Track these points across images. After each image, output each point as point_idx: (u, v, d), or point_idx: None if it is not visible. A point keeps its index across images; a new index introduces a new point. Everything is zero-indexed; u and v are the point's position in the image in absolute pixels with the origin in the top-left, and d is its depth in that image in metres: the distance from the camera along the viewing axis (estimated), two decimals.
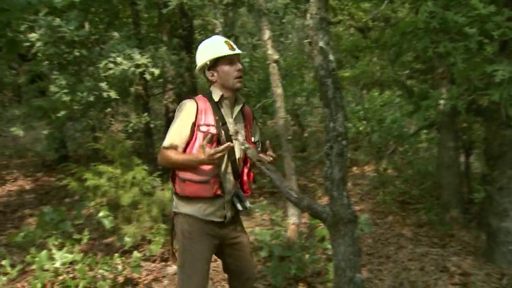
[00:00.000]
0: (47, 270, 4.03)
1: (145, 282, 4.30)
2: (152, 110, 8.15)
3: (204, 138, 2.46)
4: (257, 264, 4.57)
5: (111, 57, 4.82)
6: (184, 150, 2.56)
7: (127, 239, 4.66)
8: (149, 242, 4.81)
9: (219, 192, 2.57)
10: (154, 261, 4.70)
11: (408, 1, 5.68)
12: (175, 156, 2.50)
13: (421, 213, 5.81)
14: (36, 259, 4.08)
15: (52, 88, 5.08)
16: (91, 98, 4.93)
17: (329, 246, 4.02)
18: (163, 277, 4.42)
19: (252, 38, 11.54)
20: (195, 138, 2.54)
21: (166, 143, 2.55)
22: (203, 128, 2.53)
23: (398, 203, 6.28)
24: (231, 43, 2.67)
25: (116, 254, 4.43)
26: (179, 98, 6.99)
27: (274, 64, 4.69)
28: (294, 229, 4.84)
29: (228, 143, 2.42)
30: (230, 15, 7.82)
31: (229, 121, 2.63)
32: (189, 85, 6.89)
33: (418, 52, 5.20)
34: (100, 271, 4.14)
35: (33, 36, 5.03)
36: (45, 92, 7.68)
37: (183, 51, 6.36)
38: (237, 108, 2.70)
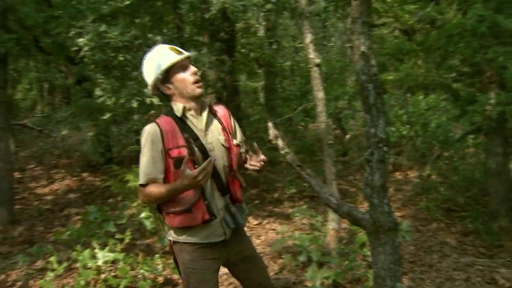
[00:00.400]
0: (90, 268, 4.15)
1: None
2: None
3: (175, 164, 2.23)
4: (295, 269, 4.54)
5: None
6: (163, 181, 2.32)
7: (167, 240, 4.72)
8: None
9: (207, 217, 2.28)
10: None
11: (455, 2, 5.51)
12: (157, 190, 2.23)
13: (466, 221, 5.61)
14: (80, 257, 4.21)
15: (97, 92, 5.23)
16: (134, 105, 5.01)
17: (370, 253, 3.96)
18: None
19: (294, 41, 11.51)
20: (169, 166, 2.28)
21: (142, 180, 2.28)
22: (174, 153, 2.26)
23: (442, 210, 6.10)
24: (176, 48, 2.42)
25: (157, 255, 4.51)
26: (220, 102, 7.05)
27: (316, 68, 4.65)
28: (334, 234, 4.78)
29: (209, 158, 2.15)
30: (272, 19, 7.82)
31: (201, 133, 2.35)
32: (230, 88, 6.94)
33: (465, 55, 5.04)
34: (141, 271, 4.23)
35: (81, 41, 5.20)
36: (91, 94, 7.91)
37: (224, 55, 6.41)
38: (205, 113, 2.40)
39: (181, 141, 2.27)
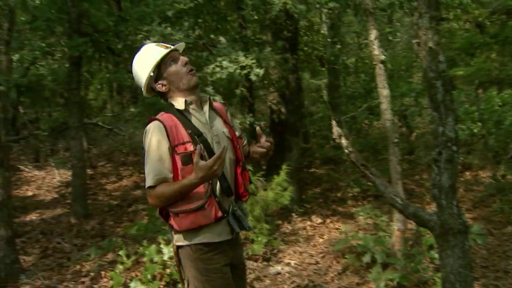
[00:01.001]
0: (156, 263, 4.28)
1: (247, 280, 4.38)
2: (257, 111, 8.28)
3: (183, 160, 2.11)
4: (359, 269, 4.47)
5: (217, 61, 4.98)
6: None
7: None
8: (252, 241, 4.90)
9: (220, 214, 2.16)
10: (256, 260, 4.78)
11: None
12: (169, 188, 2.10)
13: None
14: (147, 252, 4.36)
15: None
16: None
17: (437, 256, 3.81)
18: (265, 276, 4.48)
19: (358, 38, 11.29)
20: (175, 164, 2.14)
21: (150, 181, 2.13)
22: (180, 149, 2.14)
23: None
24: (162, 43, 2.33)
25: None
26: (284, 100, 7.05)
27: (381, 65, 4.54)
28: (399, 235, 4.65)
29: (223, 145, 2.08)
30: (335, 16, 7.72)
31: (206, 127, 2.24)
32: (294, 86, 6.91)
33: None
34: None
35: (147, 42, 5.37)
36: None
37: (287, 53, 6.40)
38: (206, 107, 2.31)
39: (186, 137, 2.14)
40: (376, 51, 4.54)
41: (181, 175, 2.11)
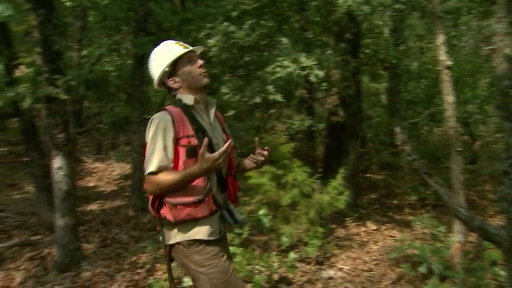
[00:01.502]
0: None
1: (299, 283, 4.37)
2: (315, 114, 8.23)
3: (188, 153, 2.21)
4: (414, 280, 4.34)
5: (278, 61, 4.99)
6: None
7: (284, 239, 4.78)
8: (305, 244, 4.88)
9: (214, 207, 2.28)
10: (309, 263, 4.75)
11: None
12: (169, 177, 2.16)
13: None
14: None
15: (223, 90, 5.46)
16: (258, 100, 5.15)
17: (502, 273, 3.65)
18: (317, 280, 4.44)
19: (421, 42, 10.97)
20: (177, 155, 2.23)
21: (153, 167, 2.19)
22: (184, 142, 2.23)
23: None
24: (182, 43, 2.42)
25: (273, 252, 4.59)
26: (343, 103, 6.96)
27: (447, 71, 4.39)
28: (459, 247, 4.47)
29: (229, 141, 2.17)
30: (397, 19, 7.53)
31: (209, 127, 2.36)
32: (354, 89, 6.81)
33: None
34: (257, 266, 4.33)
35: (210, 41, 5.46)
36: (215, 92, 8.26)
37: (348, 56, 6.31)
38: (212, 110, 2.43)
39: (190, 131, 2.25)
40: (443, 56, 4.39)
41: (184, 167, 2.20)
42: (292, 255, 4.44)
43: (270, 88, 5.09)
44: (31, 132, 6.15)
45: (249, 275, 4.21)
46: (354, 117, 6.98)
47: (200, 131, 2.26)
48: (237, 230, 4.79)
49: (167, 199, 2.23)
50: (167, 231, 2.32)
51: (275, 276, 4.37)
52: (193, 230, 2.25)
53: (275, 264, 4.42)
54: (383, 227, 6.03)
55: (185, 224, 2.25)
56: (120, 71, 8.73)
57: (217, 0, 6.24)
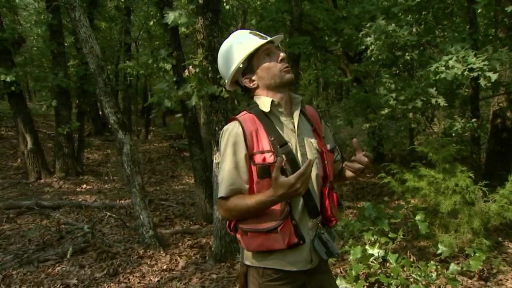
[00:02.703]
0: (360, 263, 4.25)
1: None
2: (480, 114, 7.59)
3: (259, 173, 1.82)
4: None
5: (443, 60, 4.65)
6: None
7: (443, 248, 4.49)
8: (467, 256, 4.52)
9: (295, 240, 1.84)
10: (471, 278, 4.40)
11: None
12: (243, 202, 1.81)
13: None
14: (352, 251, 4.35)
15: (381, 91, 5.29)
16: (418, 104, 4.85)
17: None
18: None
19: None
20: (251, 175, 1.86)
21: (224, 191, 1.85)
22: (257, 159, 1.84)
23: None
24: (258, 32, 1.99)
25: (432, 262, 4.33)
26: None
27: None
28: None
29: (309, 159, 1.70)
30: None
31: (292, 135, 1.92)
32: None
33: None
34: (413, 275, 4.13)
35: (368, 40, 5.34)
36: (367, 92, 8.06)
37: None
38: (297, 112, 1.96)
39: (267, 145, 1.85)
40: None
41: (256, 189, 1.84)
42: (453, 266, 4.14)
43: (433, 90, 4.74)
44: (193, 128, 6.65)
45: (405, 283, 4.03)
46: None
47: (279, 144, 1.86)
48: (390, 235, 4.62)
49: (239, 225, 1.92)
50: (245, 252, 1.99)
51: (433, 287, 4.13)
52: (270, 258, 1.90)
53: (434, 275, 4.17)
54: None
55: (261, 252, 1.91)
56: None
57: None
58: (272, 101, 1.91)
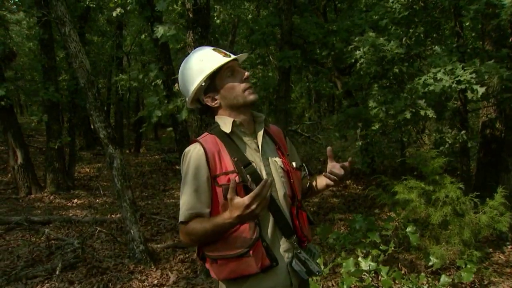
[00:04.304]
0: (352, 275, 4.24)
1: None
2: (469, 126, 7.66)
3: (225, 194, 1.72)
4: None
5: (431, 73, 4.69)
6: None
7: (434, 260, 4.49)
8: (458, 267, 4.53)
9: (266, 262, 1.76)
10: None
11: None
12: (200, 226, 1.73)
13: None
14: (344, 263, 4.34)
15: (371, 103, 5.32)
16: (408, 116, 4.89)
17: None
18: None
19: None
20: (217, 197, 1.78)
21: (183, 216, 1.78)
22: (222, 180, 1.76)
23: None
24: (222, 50, 1.93)
25: (422, 274, 4.33)
26: (502, 115, 6.36)
27: None
28: None
29: (264, 179, 1.59)
30: None
31: (255, 155, 1.87)
32: None
33: None
34: (405, 287, 4.12)
35: (357, 53, 5.38)
36: (358, 104, 8.11)
37: (510, 62, 5.74)
38: (260, 132, 1.91)
39: (230, 166, 1.78)
40: None
41: (222, 211, 1.73)
42: (444, 278, 4.14)
43: (422, 102, 4.78)
44: (184, 142, 6.65)
45: None
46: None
47: (242, 164, 1.79)
48: (381, 247, 4.62)
49: (206, 252, 1.82)
50: (216, 284, 1.92)
51: None
52: (244, 285, 1.81)
53: (425, 286, 4.16)
54: None
55: (234, 281, 1.81)
56: (266, 84, 9.04)
57: (362, 12, 6.14)
58: (234, 121, 1.85)
